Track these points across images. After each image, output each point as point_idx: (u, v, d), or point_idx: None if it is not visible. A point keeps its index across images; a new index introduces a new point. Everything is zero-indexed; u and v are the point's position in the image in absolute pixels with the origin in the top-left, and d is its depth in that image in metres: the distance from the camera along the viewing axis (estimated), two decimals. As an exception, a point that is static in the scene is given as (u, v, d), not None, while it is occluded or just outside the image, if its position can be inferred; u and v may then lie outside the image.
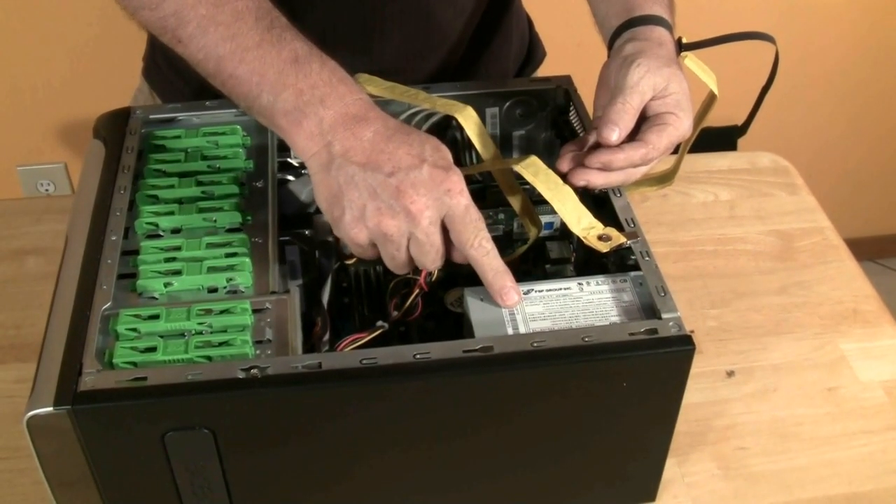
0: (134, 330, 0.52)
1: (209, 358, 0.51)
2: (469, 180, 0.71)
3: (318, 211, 0.61)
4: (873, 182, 1.76)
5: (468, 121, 0.64)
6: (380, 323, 0.58)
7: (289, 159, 0.67)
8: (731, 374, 0.72)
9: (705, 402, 0.70)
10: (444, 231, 0.54)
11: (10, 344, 0.72)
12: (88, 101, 1.28)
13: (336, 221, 0.54)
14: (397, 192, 0.52)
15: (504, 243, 0.69)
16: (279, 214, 0.61)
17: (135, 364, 0.51)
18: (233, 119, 0.67)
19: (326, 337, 0.57)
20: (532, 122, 0.74)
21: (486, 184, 0.69)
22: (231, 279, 0.56)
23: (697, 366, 0.71)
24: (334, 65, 0.56)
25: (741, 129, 0.73)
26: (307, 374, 0.49)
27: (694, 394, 0.70)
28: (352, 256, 0.62)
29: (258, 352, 0.52)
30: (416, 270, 0.56)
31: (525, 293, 0.56)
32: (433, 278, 0.59)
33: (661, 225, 0.87)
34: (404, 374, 0.50)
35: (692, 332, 0.53)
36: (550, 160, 0.63)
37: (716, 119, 0.71)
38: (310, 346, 0.56)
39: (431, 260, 0.54)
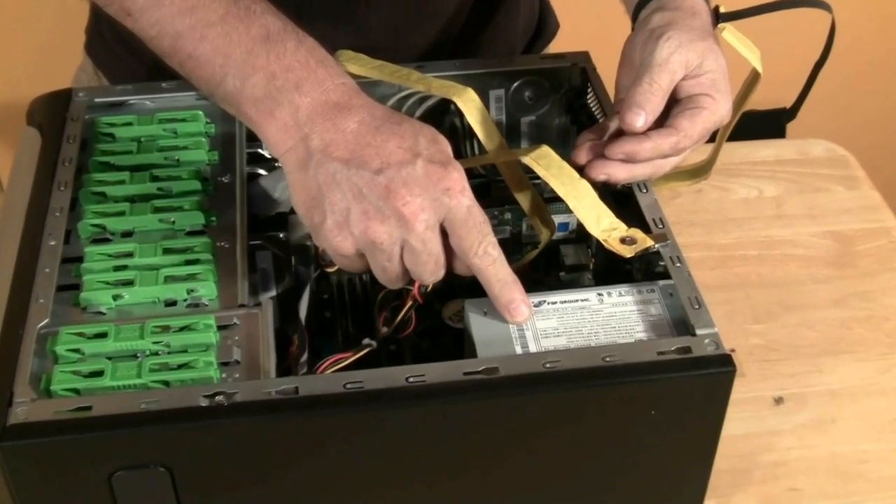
0: (76, 351, 0.53)
1: (166, 383, 0.52)
2: (470, 174, 0.72)
3: (292, 210, 0.62)
4: (948, 175, 1.77)
5: (469, 105, 0.64)
6: (367, 341, 0.59)
7: (260, 150, 0.67)
8: (779, 401, 0.73)
9: (749, 434, 0.71)
10: (444, 236, 0.54)
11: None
12: (20, 82, 1.28)
13: (316, 228, 0.55)
14: (387, 193, 0.52)
15: (511, 247, 0.70)
16: (249, 214, 0.62)
17: (77, 391, 0.51)
18: (194, 103, 0.68)
19: (304, 357, 0.58)
20: (543, 107, 0.75)
21: (490, 178, 0.70)
22: (192, 291, 0.56)
23: (739, 391, 0.72)
24: (312, 43, 0.56)
25: (790, 113, 0.74)
26: (282, 402, 0.50)
27: (736, 424, 0.71)
28: (334, 263, 0.63)
29: (224, 375, 0.52)
30: (410, 281, 0.57)
31: (536, 306, 0.57)
32: (429, 289, 0.60)
33: (696, 226, 0.87)
34: (395, 401, 0.50)
35: (732, 351, 0.54)
36: (565, 151, 0.64)
37: (760, 101, 0.72)
38: (285, 368, 0.57)
39: (430, 271, 0.55)
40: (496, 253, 0.54)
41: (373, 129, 0.54)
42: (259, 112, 0.55)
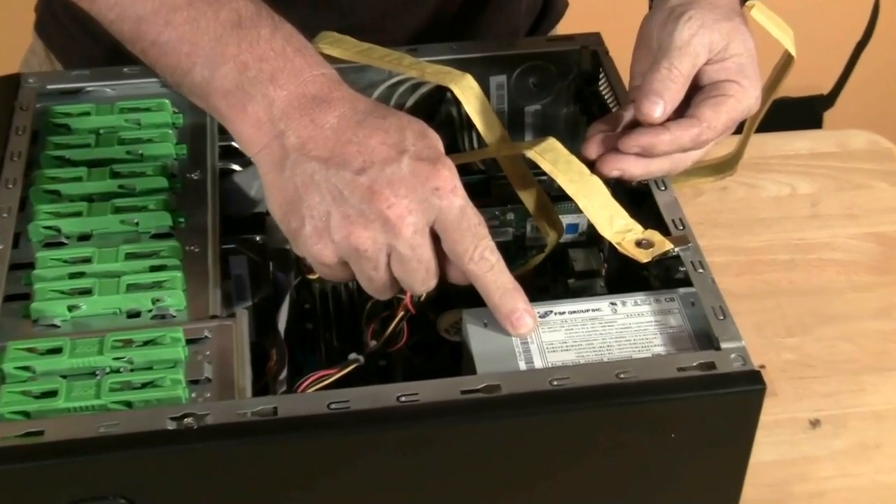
0: (27, 368, 0.53)
1: (128, 404, 0.52)
2: (469, 170, 0.73)
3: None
4: None
5: (467, 93, 0.65)
6: (353, 356, 0.59)
7: (234, 143, 0.68)
8: (815, 423, 0.73)
9: (782, 461, 0.71)
10: (436, 240, 0.55)
11: None
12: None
13: (294, 235, 0.55)
14: (370, 194, 0.53)
15: (514, 252, 0.71)
16: (221, 215, 0.62)
17: (27, 414, 0.51)
18: (160, 91, 0.69)
19: (284, 374, 0.58)
20: (550, 95, 0.76)
21: (490, 174, 0.71)
22: (158, 300, 0.57)
23: (771, 412, 0.73)
24: (290, 29, 0.57)
25: (827, 100, 0.74)
26: (258, 424, 0.50)
27: (767, 449, 0.71)
28: (315, 271, 0.63)
29: (194, 395, 0.53)
30: (401, 290, 0.57)
31: (542, 317, 0.57)
32: (422, 298, 0.60)
33: (720, 227, 0.88)
34: (385, 423, 0.51)
35: (762, 367, 0.54)
36: (574, 144, 0.64)
37: (793, 88, 0.72)
38: (262, 386, 0.57)
39: (420, 280, 0.55)
40: (494, 258, 0.55)
41: (354, 124, 0.54)
42: (230, 106, 0.55)
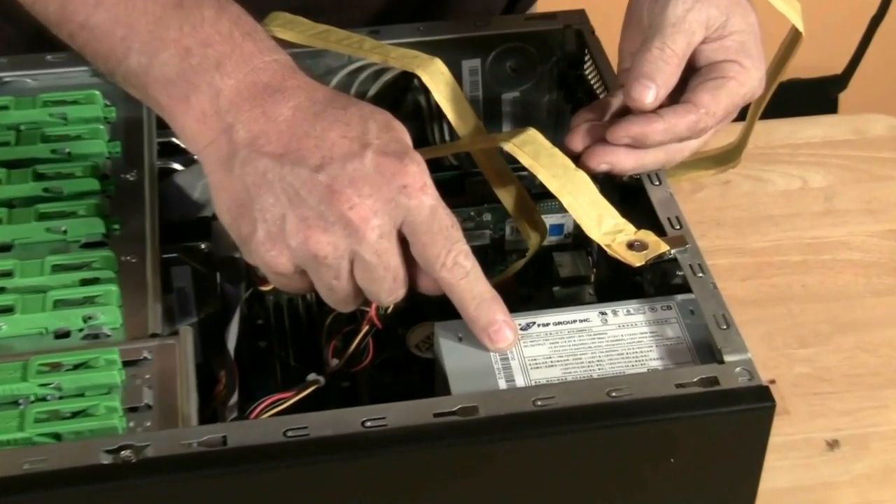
0: (-60, 398, 0.53)
1: (57, 437, 0.52)
2: (440, 166, 0.73)
3: (216, 215, 0.63)
4: None
5: (436, 79, 0.65)
6: (313, 376, 0.59)
7: (175, 139, 0.68)
8: (833, 444, 0.74)
9: (797, 488, 0.71)
10: (404, 245, 0.55)
11: None
12: None
13: (244, 241, 0.55)
14: (330, 194, 0.53)
15: (492, 257, 0.71)
16: (161, 220, 0.62)
17: (-59, 450, 0.51)
18: (89, 81, 0.69)
19: (234, 399, 0.58)
20: (530, 80, 0.76)
21: (464, 170, 0.71)
22: (90, 318, 0.57)
23: (783, 432, 0.73)
24: (237, 10, 0.57)
25: (841, 81, 0.75)
26: (206, 455, 0.50)
27: (779, 475, 0.71)
28: (268, 282, 0.63)
29: (132, 424, 0.53)
30: (366, 301, 0.57)
31: (523, 329, 0.57)
32: (389, 310, 0.60)
33: (723, 226, 0.88)
34: (349, 451, 0.51)
35: (772, 382, 0.54)
36: (558, 135, 0.65)
37: (802, 67, 0.72)
38: (210, 413, 0.57)
39: (387, 290, 0.55)
40: (469, 263, 0.55)
41: (311, 115, 0.54)
42: (171, 97, 0.55)
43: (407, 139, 0.55)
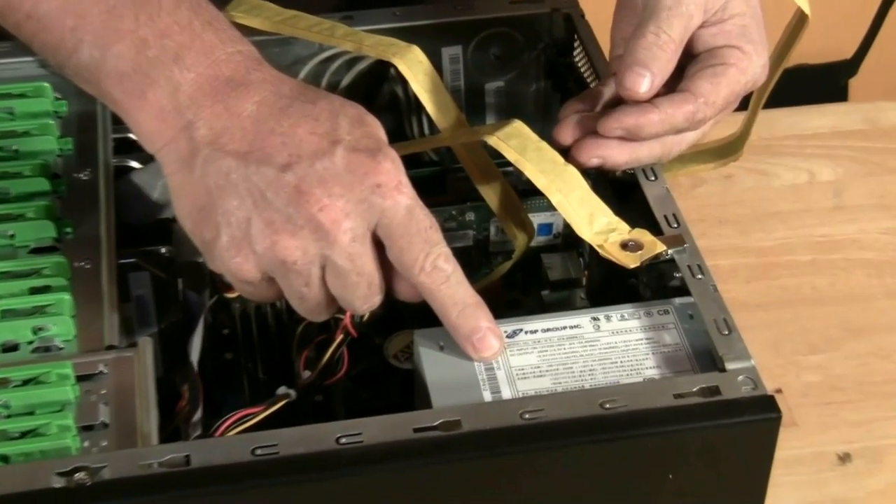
0: None
1: (5, 459, 0.51)
2: (419, 162, 0.73)
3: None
4: None
5: (414, 68, 0.65)
6: (283, 390, 0.59)
7: (131, 135, 0.67)
8: (846, 458, 0.74)
9: (806, 504, 0.72)
10: (380, 248, 0.55)
11: None
12: None
13: (208, 247, 0.55)
14: (298, 195, 0.53)
15: (476, 259, 0.71)
16: (118, 223, 0.62)
17: None
18: (38, 72, 0.68)
19: (198, 415, 0.58)
20: (515, 69, 0.76)
21: (445, 166, 0.71)
22: (40, 329, 0.56)
23: (791, 446, 0.73)
24: None
25: (850, 67, 0.75)
26: (167, 477, 0.50)
27: (787, 491, 0.71)
28: (233, 288, 0.63)
29: (87, 444, 0.52)
30: (340, 309, 0.57)
31: (509, 336, 0.58)
32: (364, 318, 0.60)
33: (725, 224, 0.88)
34: (323, 470, 0.51)
35: (778, 391, 0.54)
36: (546, 127, 0.65)
37: (808, 53, 0.72)
38: (172, 430, 0.57)
39: (362, 297, 0.55)
40: (450, 267, 0.55)
41: (278, 111, 0.54)
42: (126, 92, 0.55)
43: (381, 134, 0.56)
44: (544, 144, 0.61)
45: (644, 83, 0.62)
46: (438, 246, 0.55)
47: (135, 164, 0.67)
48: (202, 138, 0.54)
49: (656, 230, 0.61)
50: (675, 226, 0.61)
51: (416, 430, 0.52)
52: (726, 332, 0.56)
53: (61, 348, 0.56)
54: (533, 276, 0.70)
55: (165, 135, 0.55)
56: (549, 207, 0.63)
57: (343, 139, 0.54)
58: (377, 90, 0.74)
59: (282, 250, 0.53)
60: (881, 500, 0.72)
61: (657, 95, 0.63)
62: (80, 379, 0.55)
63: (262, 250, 0.53)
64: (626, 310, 0.59)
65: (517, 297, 0.70)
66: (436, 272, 0.55)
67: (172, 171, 0.55)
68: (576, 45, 0.74)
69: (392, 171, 0.54)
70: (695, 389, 0.54)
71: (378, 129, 0.56)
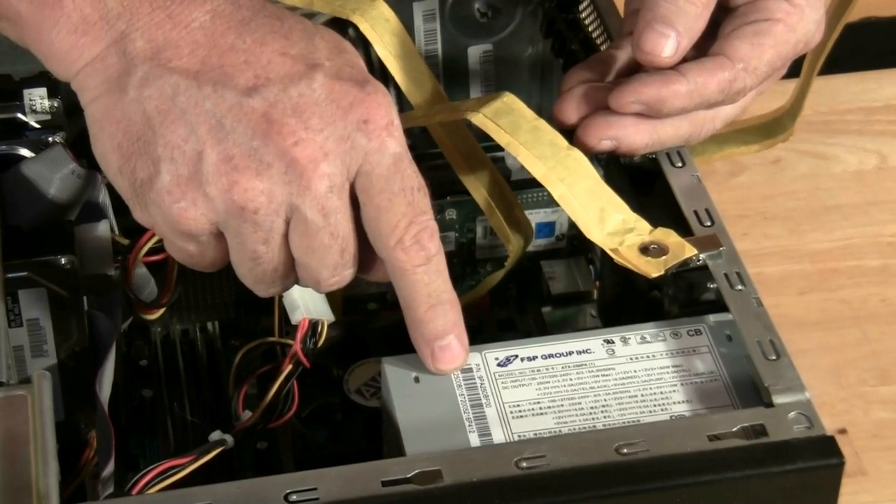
0: None
1: None
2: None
3: (81, 218, 0.62)
4: None
5: (379, 28, 0.66)
6: (217, 435, 0.59)
7: (20, 115, 0.67)
8: (924, 512, 0.75)
9: (875, 571, 0.73)
10: (356, 211, 0.55)
11: None
12: None
13: (141, 189, 0.54)
14: (266, 125, 0.53)
15: (460, 267, 0.71)
16: (4, 227, 0.62)
17: None
18: None
19: (110, 468, 0.58)
20: (506, 27, 0.77)
21: (419, 151, 0.71)
22: None
23: (858, 500, 0.73)
24: None
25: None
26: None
27: (852, 555, 0.73)
28: (154, 307, 0.63)
29: (-31, 505, 0.53)
30: (289, 329, 0.57)
31: (501, 365, 0.58)
32: (318, 343, 0.60)
33: (772, 220, 0.89)
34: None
35: (842, 431, 0.54)
36: (545, 101, 0.65)
37: (876, 3, 0.72)
38: (76, 488, 0.57)
39: (331, 265, 0.55)
40: (433, 247, 0.55)
41: (237, 23, 0.54)
42: (34, 2, 0.54)
43: (363, 66, 0.55)
44: (543, 123, 0.62)
45: (668, 45, 0.63)
46: (424, 216, 0.55)
47: (25, 152, 0.67)
48: (139, 52, 0.54)
49: (684, 230, 0.62)
50: (709, 224, 0.62)
51: (385, 484, 0.52)
52: (773, 357, 0.57)
53: (-65, 385, 0.57)
54: (531, 288, 0.70)
55: (89, 51, 0.54)
56: (551, 202, 0.64)
57: (322, 64, 0.54)
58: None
59: (241, 193, 0.53)
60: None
61: (684, 60, 0.63)
62: (-39, 423, 0.55)
63: (216, 193, 0.53)
64: (648, 330, 0.59)
65: (511, 316, 0.71)
66: (415, 248, 0.55)
67: (95, 95, 0.55)
68: (582, -2, 0.74)
69: (384, 106, 0.54)
70: (735, 429, 0.54)
71: (360, 61, 0.56)
